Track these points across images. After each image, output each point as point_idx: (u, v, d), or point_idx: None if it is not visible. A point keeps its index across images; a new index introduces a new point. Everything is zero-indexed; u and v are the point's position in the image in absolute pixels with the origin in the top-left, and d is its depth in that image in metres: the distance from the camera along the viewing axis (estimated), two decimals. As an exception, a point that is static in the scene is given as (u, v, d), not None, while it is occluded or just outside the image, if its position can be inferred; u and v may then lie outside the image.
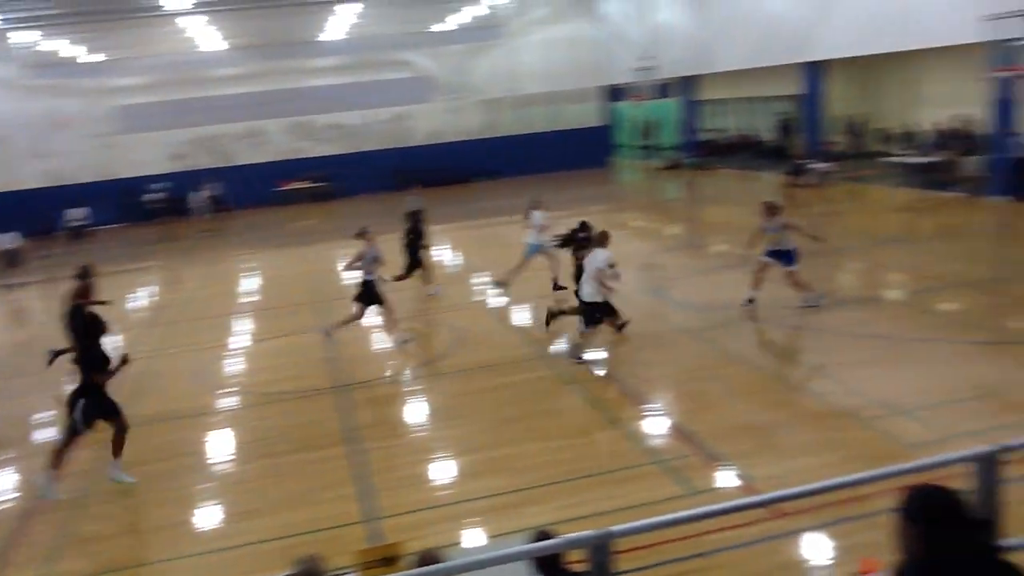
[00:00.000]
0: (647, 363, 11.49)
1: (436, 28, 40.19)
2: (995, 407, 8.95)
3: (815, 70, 27.52)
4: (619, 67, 36.55)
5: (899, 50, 24.78)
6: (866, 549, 6.10)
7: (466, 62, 41.56)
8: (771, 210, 13.08)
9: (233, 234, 29.36)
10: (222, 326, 15.85)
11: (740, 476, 7.82)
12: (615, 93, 41.92)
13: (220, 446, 9.97)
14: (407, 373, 12.13)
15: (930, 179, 23.67)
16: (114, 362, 8.76)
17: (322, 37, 38.18)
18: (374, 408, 10.72)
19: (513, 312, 15.01)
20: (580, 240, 12.53)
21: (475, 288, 17.34)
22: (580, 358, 11.55)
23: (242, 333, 15.44)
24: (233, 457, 9.68)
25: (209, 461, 9.57)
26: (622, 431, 9.20)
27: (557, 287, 15.20)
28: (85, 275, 11.86)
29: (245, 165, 35.87)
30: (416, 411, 10.72)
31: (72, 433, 8.64)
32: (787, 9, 27.08)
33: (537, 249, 15.75)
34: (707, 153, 36.98)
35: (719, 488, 7.69)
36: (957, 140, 23.54)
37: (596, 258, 11.36)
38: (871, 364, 10.49)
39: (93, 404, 8.63)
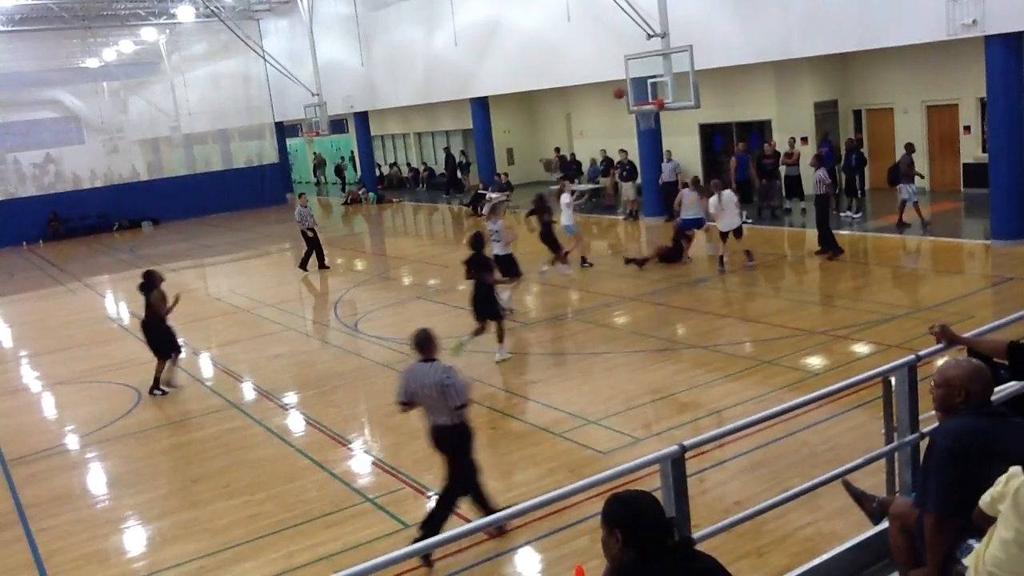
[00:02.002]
0: (346, 401, 11.28)
1: (86, 64, 37.20)
2: (670, 408, 9.78)
3: (482, 106, 28.87)
4: (291, 103, 36.01)
5: (554, 86, 26.77)
6: (580, 556, 6.32)
7: (122, 100, 38.87)
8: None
9: None
10: None
11: (450, 503, 7.81)
12: (290, 129, 41.25)
13: None
14: (76, 440, 10.88)
15: (595, 205, 25.76)
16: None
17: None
18: (41, 483, 9.48)
19: (198, 362, 14.09)
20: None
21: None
22: (751, 259, 15.83)
23: None
24: None
25: None
26: (329, 473, 8.87)
27: (586, 262, 17.54)
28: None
29: None
30: (92, 481, 9.64)
31: (501, 314, 11.94)
32: (449, 49, 28.19)
33: (574, 229, 17.37)
34: (387, 187, 37.44)
35: (431, 518, 7.63)
36: (618, 168, 25.65)
37: (725, 196, 15.69)
38: (559, 380, 11.03)
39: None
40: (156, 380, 12.04)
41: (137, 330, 16.86)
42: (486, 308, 11.79)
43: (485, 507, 6.94)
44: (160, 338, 12.04)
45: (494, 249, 14.11)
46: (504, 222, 15.00)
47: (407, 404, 6.99)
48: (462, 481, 6.93)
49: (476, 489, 7.02)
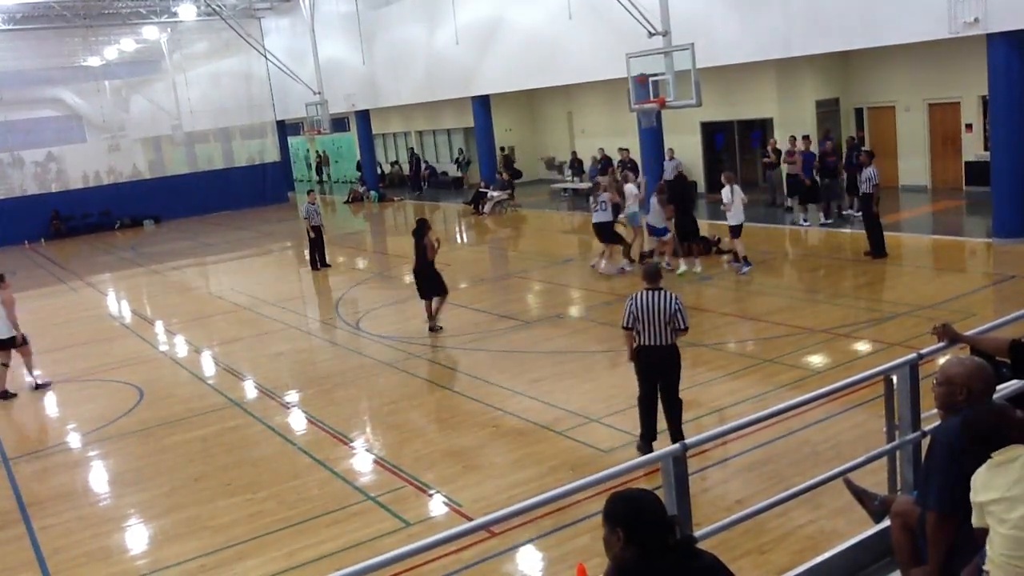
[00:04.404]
0: (348, 399, 11.27)
1: (88, 63, 37.20)
2: (672, 406, 9.74)
3: (483, 104, 28.86)
4: (292, 102, 36.00)
5: (555, 84, 26.76)
6: (581, 554, 6.31)
7: (124, 98, 38.83)
8: None
9: None
10: None
11: (449, 502, 7.83)
12: (291, 128, 41.19)
13: None
14: (78, 438, 10.88)
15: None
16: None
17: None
18: (43, 481, 9.49)
19: (200, 360, 14.10)
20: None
21: (156, 338, 16.10)
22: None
23: None
24: None
25: None
26: (330, 472, 8.87)
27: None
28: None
29: None
30: (94, 479, 9.65)
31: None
32: (450, 47, 28.18)
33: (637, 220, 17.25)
34: (388, 185, 37.42)
35: (432, 517, 7.65)
36: (621, 166, 25.57)
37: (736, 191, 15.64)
38: (560, 378, 11.02)
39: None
40: (431, 317, 13.64)
41: (138, 328, 16.96)
42: (689, 228, 15.69)
43: (678, 429, 8.03)
44: (427, 280, 13.60)
45: (595, 218, 16.36)
46: (611, 194, 16.55)
47: (630, 329, 8.02)
48: (676, 392, 8.08)
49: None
